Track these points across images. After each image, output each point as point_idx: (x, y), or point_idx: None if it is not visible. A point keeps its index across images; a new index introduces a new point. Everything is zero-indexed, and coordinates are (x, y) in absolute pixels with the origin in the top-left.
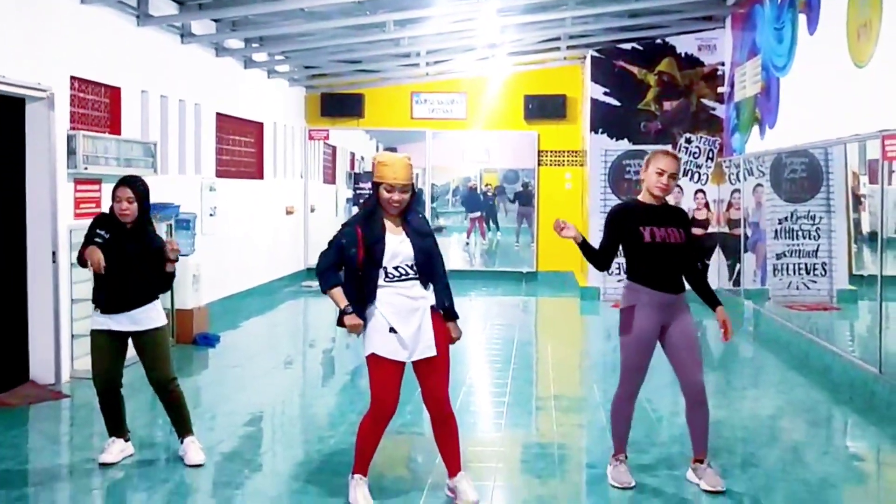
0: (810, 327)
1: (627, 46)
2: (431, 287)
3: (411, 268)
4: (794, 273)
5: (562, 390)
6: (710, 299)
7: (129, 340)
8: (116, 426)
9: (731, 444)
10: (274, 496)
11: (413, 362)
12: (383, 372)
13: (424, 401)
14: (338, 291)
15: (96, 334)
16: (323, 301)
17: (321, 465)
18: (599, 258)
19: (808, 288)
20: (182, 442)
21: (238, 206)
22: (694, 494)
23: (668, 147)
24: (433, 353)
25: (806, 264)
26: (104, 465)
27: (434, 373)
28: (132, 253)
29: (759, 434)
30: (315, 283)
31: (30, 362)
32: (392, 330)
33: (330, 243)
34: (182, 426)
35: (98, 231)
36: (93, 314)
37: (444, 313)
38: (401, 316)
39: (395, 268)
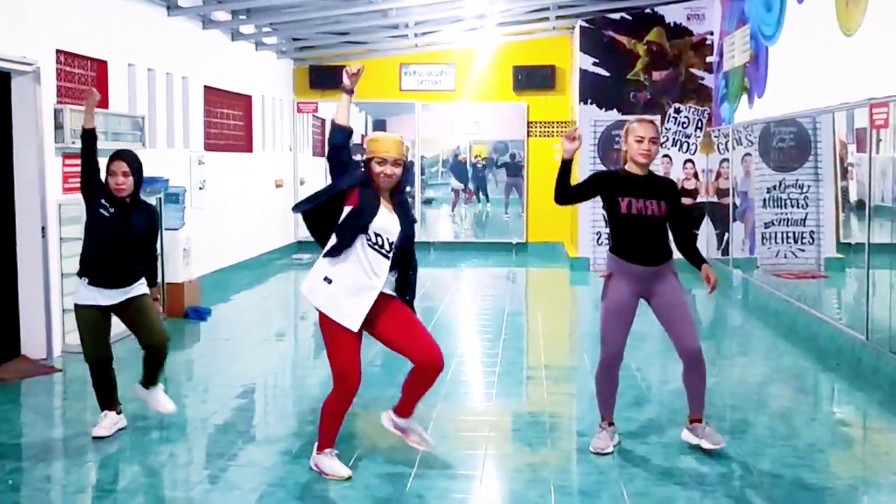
0: (798, 295)
1: (616, 16)
2: (393, 274)
3: (391, 245)
4: (783, 241)
5: (552, 360)
6: (696, 259)
7: (112, 314)
8: (108, 400)
9: (721, 410)
10: (268, 466)
11: (377, 331)
12: (333, 336)
13: (416, 361)
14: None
15: (83, 309)
16: None
17: (314, 436)
18: (563, 190)
19: (796, 256)
20: (148, 388)
21: (227, 179)
22: (682, 460)
23: (657, 117)
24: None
25: (794, 233)
26: (97, 439)
27: (408, 334)
28: (133, 227)
29: (748, 401)
30: (305, 256)
31: (21, 337)
32: (327, 280)
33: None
34: (156, 376)
35: (103, 202)
36: (78, 288)
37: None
38: (347, 282)
39: (377, 235)
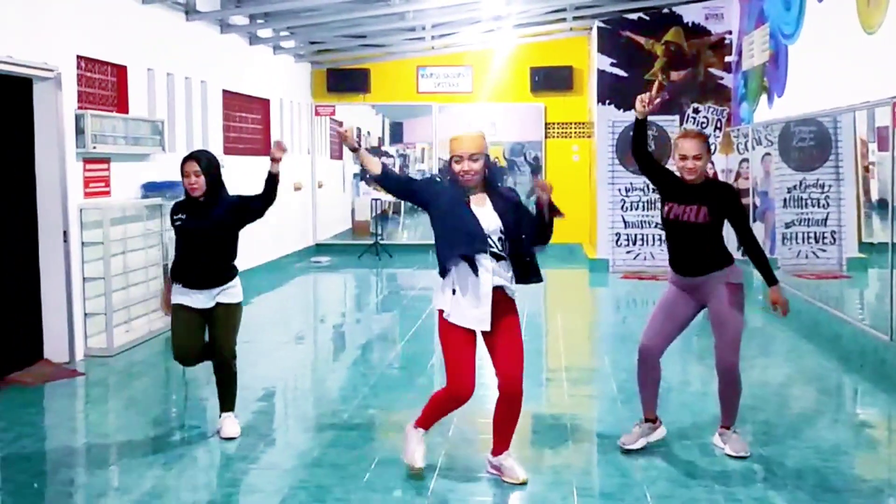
0: (820, 296)
1: (634, 16)
2: (511, 270)
3: (499, 241)
4: (804, 242)
5: (572, 362)
6: (764, 275)
7: (203, 316)
8: (224, 402)
9: (743, 412)
10: (288, 469)
11: (487, 340)
12: (447, 341)
13: (497, 379)
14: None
15: (176, 307)
16: (332, 277)
17: (334, 440)
18: (640, 147)
19: (818, 256)
20: (220, 416)
21: (246, 182)
22: (705, 462)
23: (675, 117)
24: (486, 327)
25: (815, 233)
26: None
27: (503, 349)
28: (209, 225)
29: (770, 402)
30: (324, 259)
31: (44, 341)
32: (453, 291)
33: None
34: (225, 401)
35: (174, 217)
36: (175, 285)
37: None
38: (467, 293)
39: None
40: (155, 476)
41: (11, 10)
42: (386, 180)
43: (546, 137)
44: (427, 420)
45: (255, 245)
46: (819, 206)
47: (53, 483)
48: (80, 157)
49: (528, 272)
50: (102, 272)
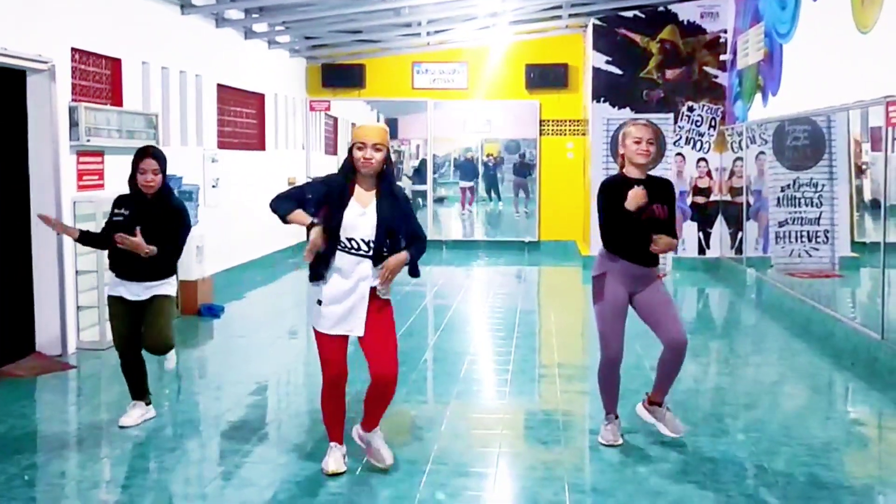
0: (812, 294)
1: (629, 14)
2: (376, 272)
3: (366, 244)
4: (797, 240)
5: (565, 358)
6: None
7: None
8: (138, 390)
9: (735, 410)
10: (282, 463)
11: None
12: (321, 341)
13: (370, 371)
14: (298, 213)
15: (112, 300)
16: None
17: (327, 434)
18: (618, 234)
19: (811, 255)
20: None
21: (240, 177)
22: (697, 458)
23: (670, 115)
24: (360, 333)
25: (808, 232)
26: (123, 428)
27: (375, 347)
28: (151, 223)
29: (763, 400)
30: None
31: (36, 333)
32: (319, 302)
33: (293, 186)
34: (139, 389)
35: (116, 211)
36: (110, 279)
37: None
38: (335, 293)
39: (349, 239)
40: (147, 469)
41: (6, 2)
42: (276, 203)
43: (541, 135)
44: (369, 421)
45: (248, 240)
46: (812, 206)
47: (45, 475)
48: (74, 149)
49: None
50: (95, 265)
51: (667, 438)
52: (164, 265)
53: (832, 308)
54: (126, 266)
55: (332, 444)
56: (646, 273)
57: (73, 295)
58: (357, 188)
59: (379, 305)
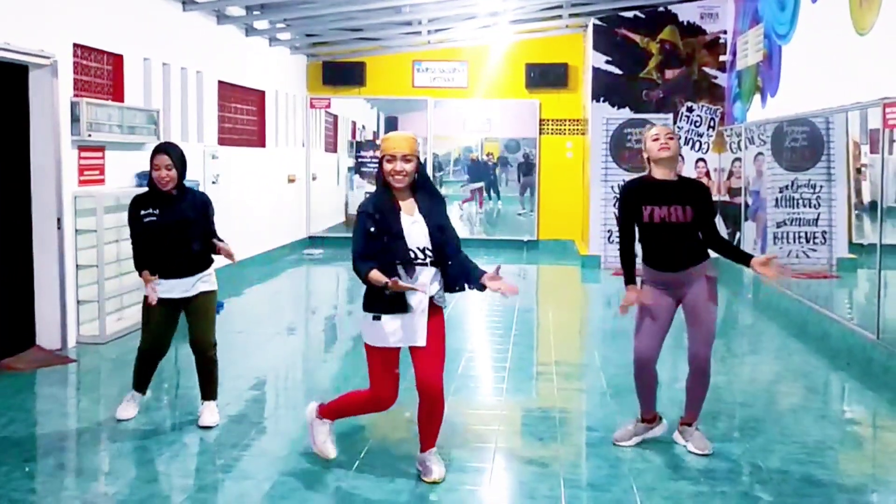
0: (809, 295)
1: (629, 14)
2: (438, 278)
3: (422, 251)
4: (794, 241)
5: (563, 356)
6: (740, 257)
7: (181, 307)
8: (142, 383)
9: (731, 408)
10: (281, 457)
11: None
12: (376, 359)
13: (416, 382)
14: (374, 273)
15: (158, 303)
16: (325, 269)
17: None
18: (627, 249)
19: (808, 256)
20: (202, 404)
21: (240, 174)
22: (692, 456)
23: (669, 116)
24: (422, 343)
25: (806, 233)
26: (121, 421)
27: (425, 357)
28: (185, 217)
29: (758, 399)
30: (316, 251)
31: (36, 327)
32: (376, 318)
33: (355, 232)
34: (207, 390)
35: (143, 212)
36: (148, 287)
37: (477, 280)
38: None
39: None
40: (146, 462)
41: None
42: (357, 265)
43: (540, 134)
44: (338, 415)
45: (248, 236)
46: (810, 207)
47: (45, 467)
48: (75, 144)
49: (466, 271)
50: (96, 260)
51: (662, 437)
52: (208, 255)
53: (829, 309)
54: (173, 264)
55: (327, 421)
56: (676, 278)
57: (73, 289)
58: (397, 198)
59: (434, 313)
